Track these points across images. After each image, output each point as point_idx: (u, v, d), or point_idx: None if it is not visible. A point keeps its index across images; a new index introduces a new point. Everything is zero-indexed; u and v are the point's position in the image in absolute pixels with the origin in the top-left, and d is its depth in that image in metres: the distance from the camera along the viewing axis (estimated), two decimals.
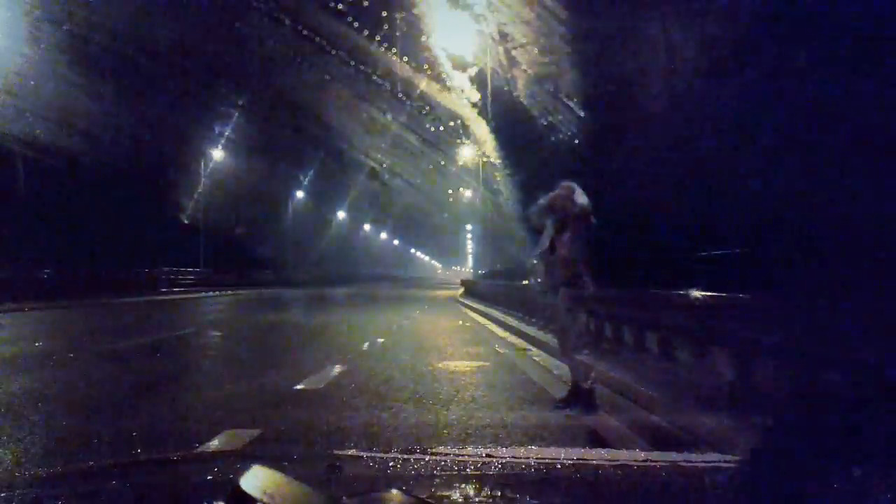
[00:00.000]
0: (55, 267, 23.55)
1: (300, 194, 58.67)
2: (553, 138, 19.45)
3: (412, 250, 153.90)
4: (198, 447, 3.94)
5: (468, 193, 45.39)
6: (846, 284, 5.77)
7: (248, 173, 44.91)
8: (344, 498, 0.98)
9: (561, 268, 5.19)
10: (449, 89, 27.46)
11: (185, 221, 38.21)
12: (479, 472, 1.60)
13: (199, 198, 38.85)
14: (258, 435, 4.21)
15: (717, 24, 11.01)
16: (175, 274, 32.41)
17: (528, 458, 1.81)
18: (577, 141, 18.05)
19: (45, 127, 24.76)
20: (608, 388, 5.90)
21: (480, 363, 7.83)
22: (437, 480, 1.52)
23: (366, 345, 9.61)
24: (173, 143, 37.28)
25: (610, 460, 1.79)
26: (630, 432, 4.48)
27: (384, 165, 57.66)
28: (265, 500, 0.84)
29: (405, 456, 1.73)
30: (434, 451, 1.82)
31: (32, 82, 23.90)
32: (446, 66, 25.67)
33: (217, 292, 30.00)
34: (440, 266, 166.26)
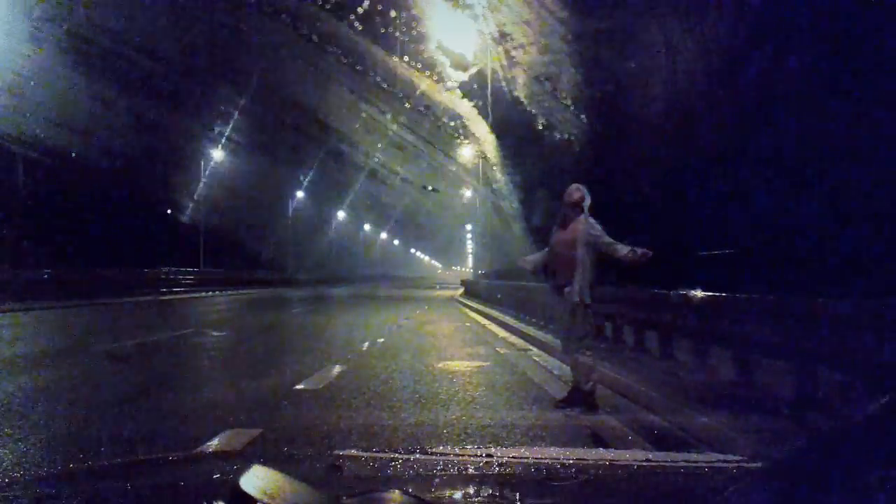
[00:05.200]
0: (55, 267, 23.54)
1: (300, 194, 58.70)
2: (553, 138, 19.45)
3: (412, 250, 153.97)
4: (198, 447, 3.94)
5: (468, 193, 45.37)
6: (845, 284, 5.77)
7: (249, 173, 44.94)
8: (344, 498, 0.98)
9: (562, 268, 5.20)
10: (449, 89, 27.44)
11: (185, 221, 38.19)
12: (479, 472, 1.60)
13: (199, 198, 38.86)
14: (258, 435, 4.21)
15: (718, 23, 11.01)
16: (175, 274, 32.38)
17: (528, 458, 1.81)
18: (576, 141, 18.04)
19: (44, 127, 24.76)
20: (608, 389, 5.90)
21: (480, 363, 7.82)
22: (437, 480, 1.52)
23: (366, 345, 9.60)
24: (174, 142, 37.31)
25: (610, 460, 1.79)
26: (630, 432, 4.48)
27: (384, 165, 57.68)
28: (265, 500, 0.84)
29: (405, 456, 1.73)
30: (434, 451, 1.83)
31: (32, 82, 23.90)
32: (446, 66, 25.66)
33: (217, 292, 29.99)
34: (440, 266, 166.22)
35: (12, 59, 22.07)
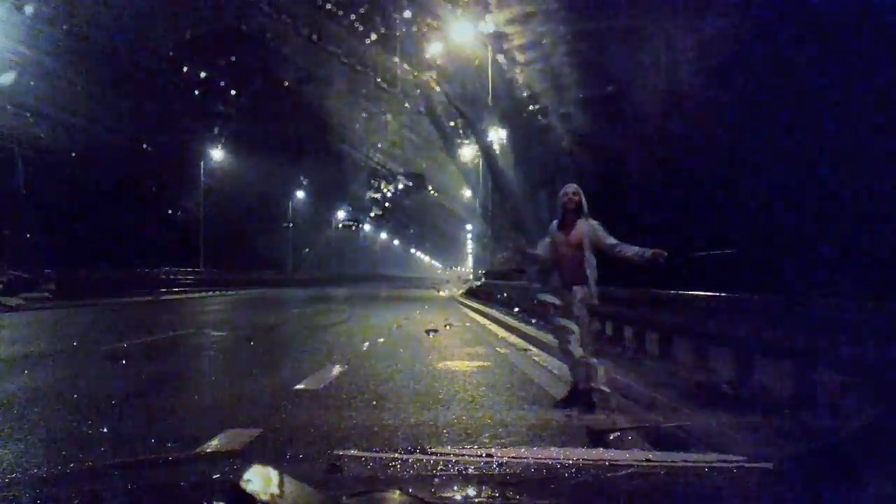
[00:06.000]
0: (55, 267, 23.53)
1: (300, 194, 58.68)
2: (554, 137, 19.45)
3: (412, 250, 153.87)
4: (198, 447, 3.94)
5: (468, 193, 45.34)
6: (844, 284, 5.77)
7: (249, 173, 44.93)
8: (344, 498, 0.99)
9: (570, 269, 5.22)
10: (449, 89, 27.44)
11: (186, 221, 38.19)
12: (479, 472, 1.60)
13: (199, 198, 38.85)
14: (258, 435, 4.21)
15: (718, 23, 11.01)
16: (175, 274, 32.39)
17: (528, 458, 1.81)
18: (577, 140, 18.04)
19: (44, 127, 24.77)
20: (609, 389, 5.90)
21: (480, 363, 7.82)
22: (437, 480, 1.52)
23: (366, 345, 9.60)
24: (173, 142, 37.30)
25: (610, 460, 1.79)
26: (630, 432, 4.47)
27: (384, 165, 57.68)
28: (265, 500, 0.84)
29: (405, 456, 1.73)
30: (434, 451, 1.82)
31: (32, 81, 23.89)
32: (446, 66, 25.66)
33: (217, 292, 29.98)
34: (440, 266, 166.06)
35: (12, 58, 22.06)
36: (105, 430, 4.47)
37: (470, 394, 5.76)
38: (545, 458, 1.73)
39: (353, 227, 72.67)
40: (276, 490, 0.87)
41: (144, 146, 33.86)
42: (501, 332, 12.19)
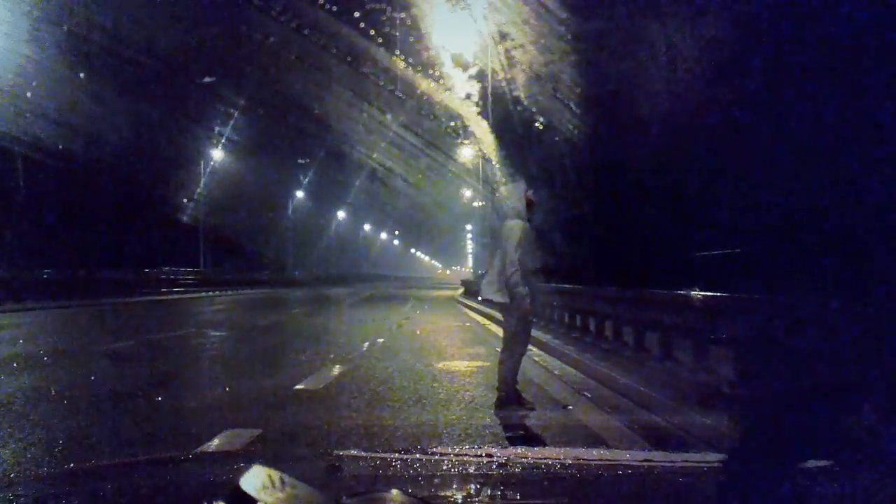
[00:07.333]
0: (55, 267, 23.52)
1: (300, 194, 58.71)
2: (553, 138, 19.43)
3: (412, 250, 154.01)
4: (198, 447, 3.95)
5: (468, 193, 45.32)
6: (844, 284, 5.77)
7: (249, 173, 44.95)
8: (344, 498, 0.98)
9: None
10: (449, 89, 27.41)
11: (185, 221, 38.19)
12: (479, 472, 1.60)
13: (199, 198, 38.87)
14: (258, 435, 4.21)
15: (718, 23, 11.01)
16: (175, 274, 32.39)
17: (528, 457, 1.81)
18: (576, 141, 18.04)
19: (44, 127, 24.75)
20: (609, 389, 5.91)
21: (480, 363, 7.82)
22: (437, 480, 1.52)
23: (365, 345, 9.60)
24: (173, 143, 37.32)
25: (610, 460, 1.79)
26: (630, 432, 4.48)
27: (384, 165, 57.64)
28: (265, 500, 0.84)
29: (405, 456, 1.73)
30: (434, 451, 1.82)
31: (33, 82, 23.89)
32: (446, 66, 25.63)
33: (217, 292, 29.99)
34: (440, 266, 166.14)
35: (12, 59, 22.07)
36: (105, 430, 4.47)
37: (470, 394, 5.77)
38: (545, 458, 1.73)
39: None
40: (276, 490, 0.87)
41: (145, 146, 33.87)
42: (502, 332, 12.17)
